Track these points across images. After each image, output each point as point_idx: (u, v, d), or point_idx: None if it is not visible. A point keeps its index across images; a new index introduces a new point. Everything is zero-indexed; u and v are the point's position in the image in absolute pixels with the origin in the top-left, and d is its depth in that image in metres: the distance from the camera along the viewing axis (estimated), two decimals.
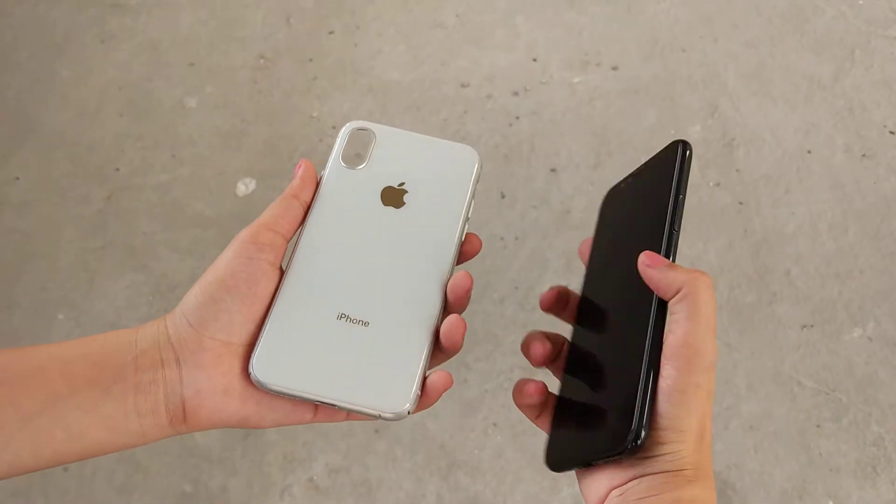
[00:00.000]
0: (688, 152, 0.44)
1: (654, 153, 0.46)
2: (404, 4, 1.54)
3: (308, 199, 0.45)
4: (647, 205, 0.45)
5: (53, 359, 0.38)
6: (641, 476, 0.38)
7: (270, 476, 1.11)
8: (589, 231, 0.50)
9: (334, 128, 1.40)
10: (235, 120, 1.44)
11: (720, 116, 1.32)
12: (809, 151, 1.28)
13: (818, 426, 1.06)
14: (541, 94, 1.39)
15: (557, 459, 0.44)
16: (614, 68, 1.40)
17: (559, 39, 1.46)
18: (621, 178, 0.50)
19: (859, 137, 1.28)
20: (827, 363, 1.10)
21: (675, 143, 0.45)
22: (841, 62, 1.37)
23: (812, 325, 1.13)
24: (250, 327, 0.41)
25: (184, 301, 0.41)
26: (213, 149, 1.41)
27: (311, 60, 1.50)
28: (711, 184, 1.26)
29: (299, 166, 0.46)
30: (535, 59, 1.44)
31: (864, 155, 1.27)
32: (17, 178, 1.41)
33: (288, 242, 0.44)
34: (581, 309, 0.48)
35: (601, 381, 0.42)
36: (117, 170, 1.40)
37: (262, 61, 1.51)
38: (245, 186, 1.35)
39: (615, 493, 0.38)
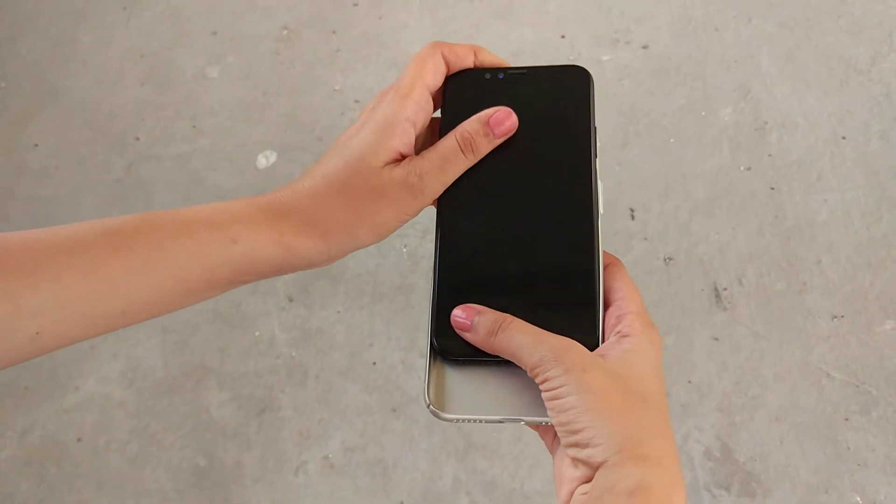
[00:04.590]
0: (592, 81, 0.46)
1: (539, 64, 0.47)
2: None
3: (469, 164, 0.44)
4: (549, 121, 0.45)
5: (200, 262, 0.40)
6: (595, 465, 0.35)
7: (285, 452, 1.09)
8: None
9: (357, 101, 1.38)
10: (257, 91, 1.42)
11: (752, 99, 1.29)
12: (844, 137, 1.24)
13: (846, 419, 1.04)
14: None
15: (454, 342, 0.41)
16: (645, 47, 1.37)
17: (589, 16, 1.42)
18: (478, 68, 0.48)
19: None
20: (857, 355, 1.08)
21: (579, 70, 0.46)
22: (878, 46, 1.33)
23: (842, 316, 1.10)
24: None
25: (354, 237, 0.43)
26: (234, 120, 1.39)
27: (334, 32, 1.47)
28: (742, 168, 1.22)
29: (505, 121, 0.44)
30: (563, 36, 1.40)
31: None
32: (37, 145, 1.40)
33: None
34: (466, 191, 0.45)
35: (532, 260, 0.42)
36: (137, 139, 1.38)
37: (285, 32, 1.49)
38: (266, 159, 1.33)
39: (580, 490, 0.36)
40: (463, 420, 0.40)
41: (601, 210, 0.42)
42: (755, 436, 1.04)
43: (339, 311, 1.18)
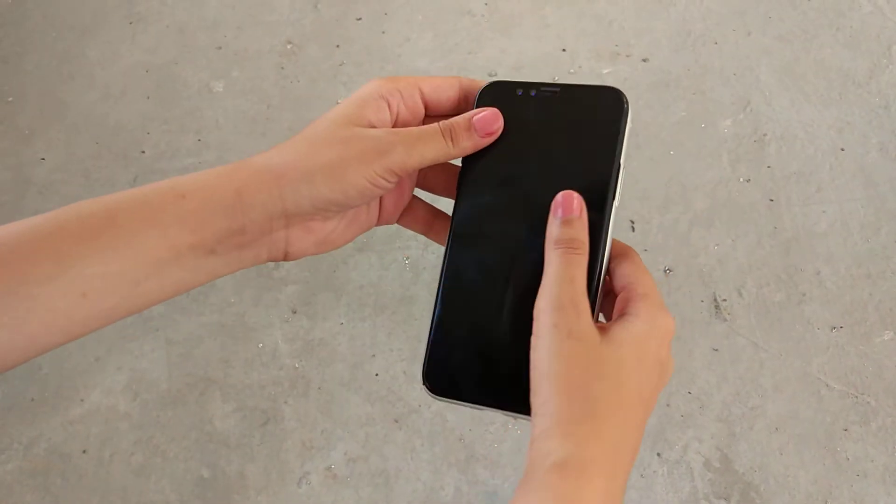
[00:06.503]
0: (627, 106, 0.44)
1: (576, 83, 0.45)
2: None
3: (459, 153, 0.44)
4: (578, 143, 0.44)
5: (152, 224, 0.38)
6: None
7: (288, 463, 1.10)
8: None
9: None
10: (261, 105, 1.43)
11: (752, 111, 1.30)
12: (843, 149, 1.25)
13: (845, 430, 1.04)
14: None
15: (444, 384, 0.42)
16: (644, 60, 1.38)
17: (589, 29, 1.44)
18: (512, 80, 0.47)
19: (894, 136, 1.26)
20: (856, 366, 1.08)
21: (614, 93, 0.44)
22: (877, 58, 1.34)
23: (841, 327, 1.11)
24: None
25: (311, 183, 0.41)
26: (238, 133, 1.40)
27: (338, 47, 1.49)
28: (741, 179, 1.23)
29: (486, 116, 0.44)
30: (564, 50, 1.42)
31: None
32: (43, 159, 1.41)
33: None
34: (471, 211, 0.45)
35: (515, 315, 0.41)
36: (143, 153, 1.40)
37: (289, 46, 1.50)
38: None
39: None
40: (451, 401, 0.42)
41: (609, 244, 0.42)
42: (755, 446, 1.04)
43: (341, 323, 1.19)
